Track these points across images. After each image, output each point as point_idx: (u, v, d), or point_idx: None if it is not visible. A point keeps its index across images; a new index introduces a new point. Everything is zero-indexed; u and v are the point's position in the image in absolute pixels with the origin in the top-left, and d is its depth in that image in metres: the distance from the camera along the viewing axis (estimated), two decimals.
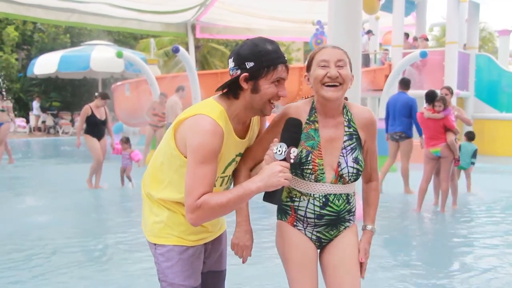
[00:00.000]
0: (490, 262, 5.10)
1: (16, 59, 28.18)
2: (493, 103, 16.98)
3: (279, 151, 2.02)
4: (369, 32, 18.51)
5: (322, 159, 2.28)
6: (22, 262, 4.89)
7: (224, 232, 2.46)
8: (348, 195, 2.34)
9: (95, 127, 9.00)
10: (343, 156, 2.29)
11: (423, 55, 10.63)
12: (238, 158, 2.25)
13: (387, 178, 10.69)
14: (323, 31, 18.91)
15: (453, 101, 11.22)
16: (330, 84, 2.21)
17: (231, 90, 2.11)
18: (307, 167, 2.27)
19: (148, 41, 25.84)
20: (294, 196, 2.35)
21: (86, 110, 8.98)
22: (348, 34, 6.85)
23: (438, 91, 7.79)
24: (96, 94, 9.46)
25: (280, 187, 1.99)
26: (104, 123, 9.12)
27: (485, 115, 16.68)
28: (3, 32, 27.26)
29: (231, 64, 2.09)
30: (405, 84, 9.00)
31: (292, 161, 2.03)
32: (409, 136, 8.66)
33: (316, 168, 2.27)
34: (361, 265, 2.37)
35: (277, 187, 1.99)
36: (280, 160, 2.01)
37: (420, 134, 8.22)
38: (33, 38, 28.57)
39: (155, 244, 2.25)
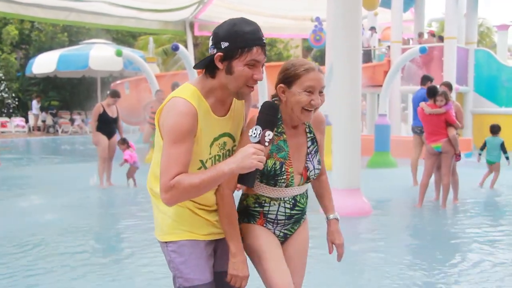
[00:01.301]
0: (492, 258, 5.11)
1: (15, 58, 28.17)
2: (493, 97, 17.00)
3: (254, 133, 2.02)
4: (372, 28, 18.54)
5: (292, 167, 2.36)
6: (20, 261, 4.87)
7: None
8: (306, 190, 2.49)
9: (106, 125, 9.15)
10: (310, 161, 2.41)
11: (423, 50, 10.62)
12: (226, 139, 2.23)
13: (389, 172, 10.73)
14: (321, 27, 18.94)
15: (453, 96, 11.23)
16: (309, 109, 2.28)
17: (208, 69, 2.13)
18: (281, 177, 2.33)
19: (147, 39, 25.82)
20: (263, 201, 2.38)
21: (98, 108, 9.17)
22: (348, 30, 6.87)
23: (438, 86, 7.82)
24: (108, 92, 9.62)
25: (254, 169, 1.99)
26: (115, 121, 9.25)
27: (485, 109, 16.70)
28: (2, 30, 27.23)
29: (210, 42, 2.11)
30: (422, 80, 9.34)
31: (266, 144, 2.01)
32: None
33: (289, 176, 2.35)
34: (339, 253, 2.55)
35: (250, 170, 1.98)
36: (254, 143, 2.01)
37: None
38: (31, 37, 28.54)
39: (166, 242, 2.23)
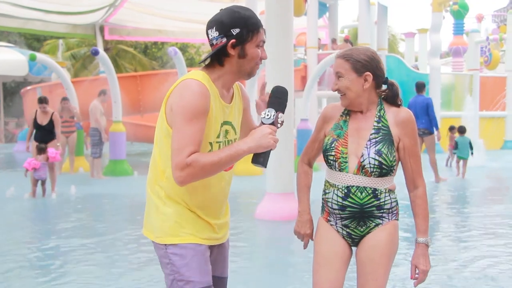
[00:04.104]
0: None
1: None
2: (404, 103, 17.98)
3: (268, 115, 2.15)
4: None
5: (346, 147, 2.42)
6: None
7: (227, 240, 2.46)
8: (375, 190, 2.39)
9: (37, 132, 9.40)
10: (367, 148, 2.38)
11: None
12: (228, 127, 2.27)
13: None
14: None
15: None
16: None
17: (215, 58, 2.20)
18: (330, 153, 2.44)
19: (54, 43, 24.89)
20: (326, 187, 2.49)
21: (32, 114, 9.56)
22: (281, 34, 7.06)
23: None
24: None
25: (270, 149, 2.12)
26: (45, 128, 9.30)
27: None
28: None
29: (213, 33, 2.17)
30: (418, 87, 10.28)
31: (279, 125, 2.15)
32: (431, 132, 10.10)
33: (339, 155, 2.41)
34: (419, 279, 2.40)
35: (266, 148, 2.11)
36: (268, 124, 2.14)
37: (437, 128, 10.03)
38: None
39: (165, 245, 2.22)
